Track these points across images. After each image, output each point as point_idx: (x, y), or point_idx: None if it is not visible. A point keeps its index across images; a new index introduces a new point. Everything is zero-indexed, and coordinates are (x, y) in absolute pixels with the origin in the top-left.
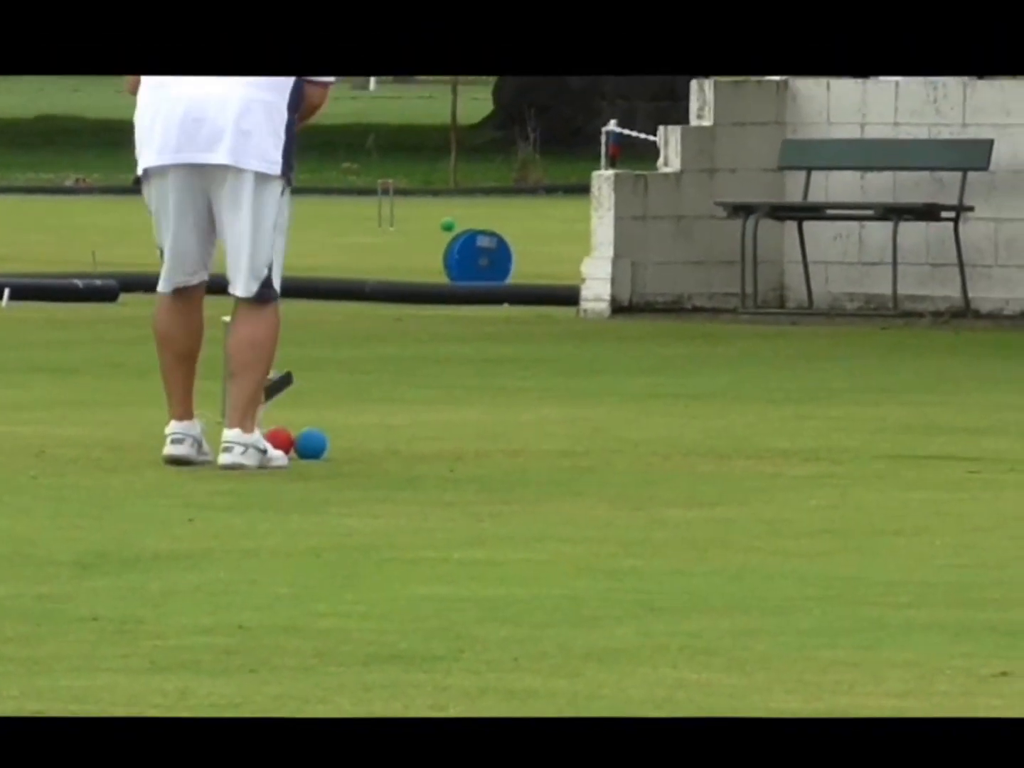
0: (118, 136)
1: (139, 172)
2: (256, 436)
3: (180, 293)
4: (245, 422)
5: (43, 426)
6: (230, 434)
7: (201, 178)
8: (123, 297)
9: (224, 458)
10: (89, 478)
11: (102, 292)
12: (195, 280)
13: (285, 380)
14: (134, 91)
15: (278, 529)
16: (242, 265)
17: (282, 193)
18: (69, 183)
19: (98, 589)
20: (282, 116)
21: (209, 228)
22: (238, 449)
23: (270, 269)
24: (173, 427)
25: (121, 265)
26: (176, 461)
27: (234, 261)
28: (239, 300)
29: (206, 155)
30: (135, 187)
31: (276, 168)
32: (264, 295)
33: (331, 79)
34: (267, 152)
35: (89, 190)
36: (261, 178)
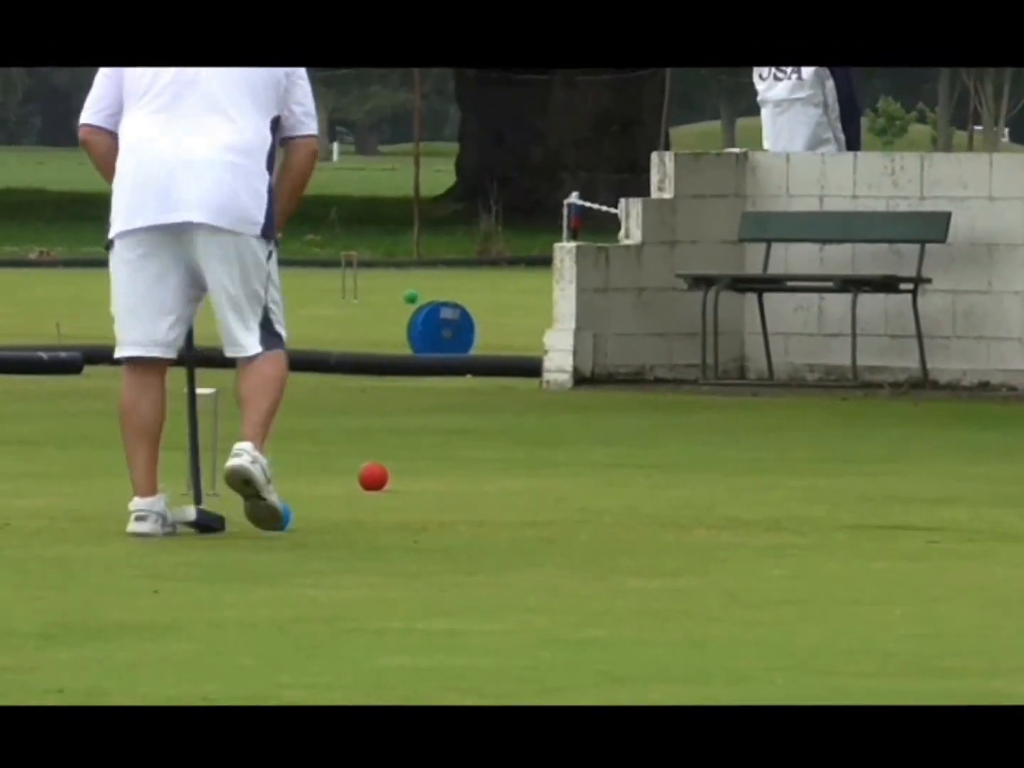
0: (81, 209)
1: (111, 235)
2: (267, 460)
3: (144, 367)
4: (257, 439)
5: (7, 498)
6: (244, 444)
7: (177, 242)
8: (87, 369)
9: (233, 461)
10: (53, 549)
11: (66, 364)
12: (156, 352)
13: (216, 521)
14: (110, 179)
15: (243, 600)
16: (230, 326)
17: (268, 258)
18: (32, 256)
19: (63, 660)
20: (262, 177)
21: (182, 302)
22: (248, 457)
23: (266, 319)
24: (137, 504)
25: (85, 337)
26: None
27: (224, 324)
28: (242, 360)
29: (179, 215)
30: (107, 250)
31: (256, 229)
32: (268, 343)
33: (313, 132)
34: (246, 212)
35: (52, 263)
36: (240, 239)
